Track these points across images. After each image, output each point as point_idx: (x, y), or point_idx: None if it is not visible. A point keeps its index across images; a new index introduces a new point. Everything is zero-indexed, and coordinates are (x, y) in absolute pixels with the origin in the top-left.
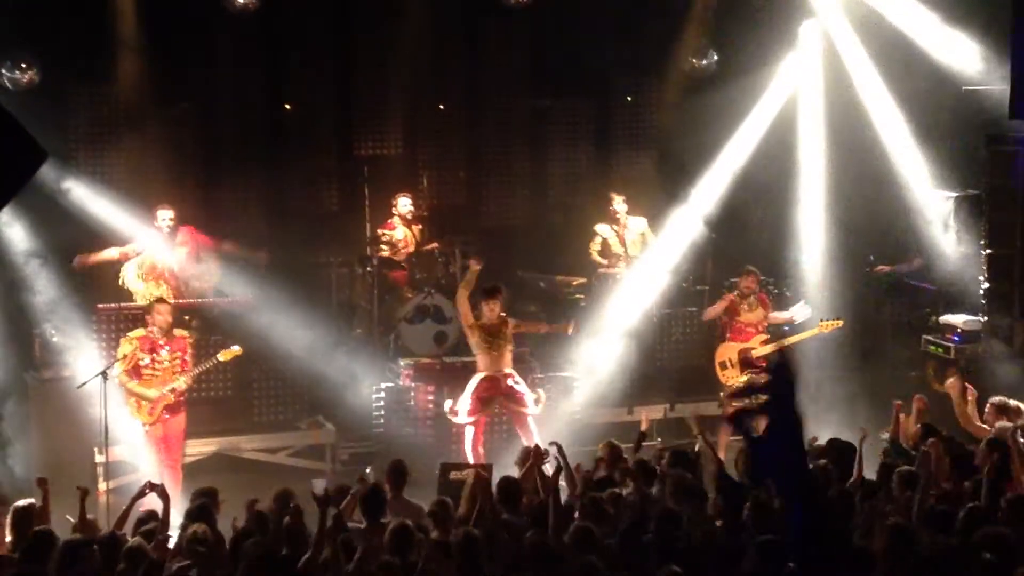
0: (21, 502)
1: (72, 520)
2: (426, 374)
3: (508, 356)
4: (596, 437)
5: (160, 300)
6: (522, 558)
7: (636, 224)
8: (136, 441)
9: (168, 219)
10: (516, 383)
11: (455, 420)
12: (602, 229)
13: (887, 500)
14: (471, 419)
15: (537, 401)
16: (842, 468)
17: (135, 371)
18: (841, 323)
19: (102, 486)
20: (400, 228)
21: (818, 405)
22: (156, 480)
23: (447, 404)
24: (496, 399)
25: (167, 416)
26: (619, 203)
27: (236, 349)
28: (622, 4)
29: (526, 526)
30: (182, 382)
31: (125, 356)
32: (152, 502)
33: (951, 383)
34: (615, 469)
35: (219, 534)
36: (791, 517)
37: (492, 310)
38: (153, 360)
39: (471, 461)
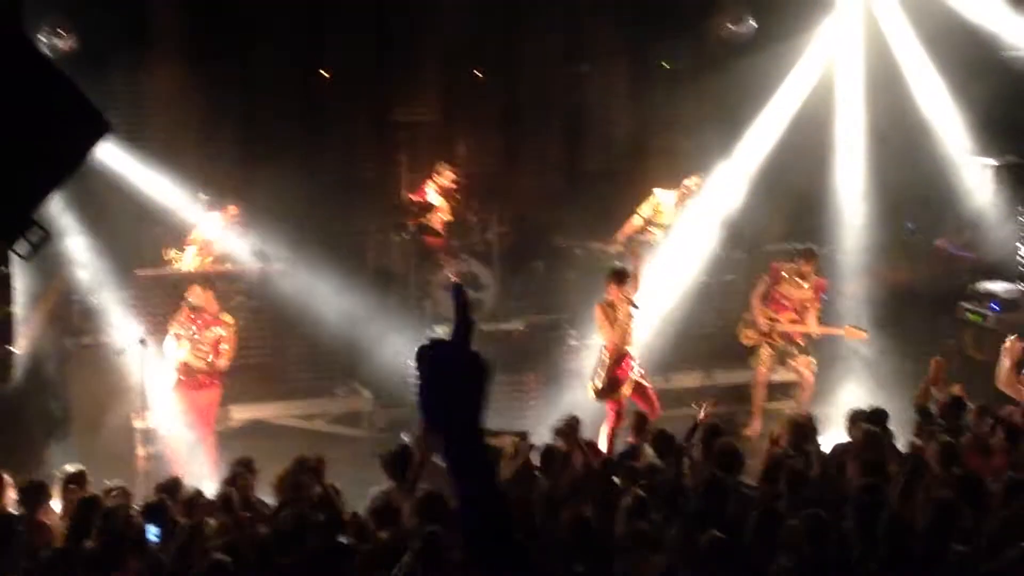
0: (69, 467)
1: (109, 484)
2: None
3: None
4: (632, 404)
5: (204, 284)
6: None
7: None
8: (171, 406)
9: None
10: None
11: (597, 400)
12: (662, 194)
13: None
14: (613, 399)
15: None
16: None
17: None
18: (866, 336)
19: (140, 452)
20: (434, 196)
21: (851, 372)
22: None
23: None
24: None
25: (206, 384)
26: (695, 185)
27: None
28: None
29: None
30: (223, 364)
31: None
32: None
33: (1015, 341)
34: (641, 439)
35: (256, 500)
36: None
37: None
38: (196, 331)
39: (601, 445)
